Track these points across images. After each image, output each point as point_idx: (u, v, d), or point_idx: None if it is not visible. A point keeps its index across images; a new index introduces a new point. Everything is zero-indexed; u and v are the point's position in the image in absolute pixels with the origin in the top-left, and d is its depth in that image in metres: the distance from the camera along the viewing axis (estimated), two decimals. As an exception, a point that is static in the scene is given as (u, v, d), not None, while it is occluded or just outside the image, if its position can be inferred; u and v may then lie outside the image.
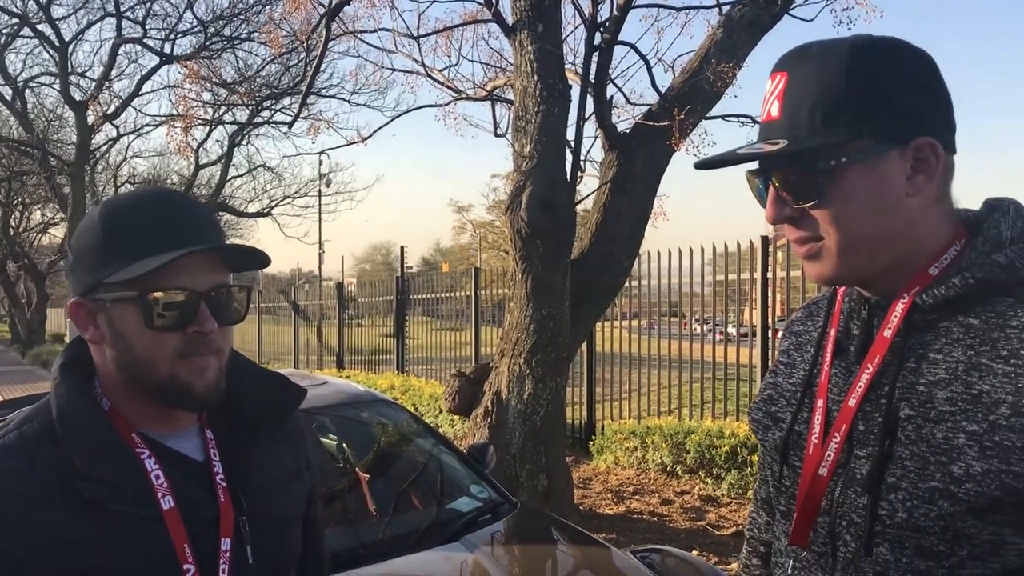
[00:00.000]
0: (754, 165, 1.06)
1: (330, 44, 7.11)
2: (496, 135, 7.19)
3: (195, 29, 20.95)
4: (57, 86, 21.65)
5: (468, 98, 7.31)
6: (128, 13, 20.72)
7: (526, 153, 5.37)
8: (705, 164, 1.08)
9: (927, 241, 1.03)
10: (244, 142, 24.15)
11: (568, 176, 5.55)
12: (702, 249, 7.80)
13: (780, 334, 1.62)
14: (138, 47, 21.18)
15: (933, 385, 0.98)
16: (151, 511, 1.08)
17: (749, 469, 6.30)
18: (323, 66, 13.19)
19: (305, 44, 8.17)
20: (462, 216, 47.60)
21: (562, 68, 5.56)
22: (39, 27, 20.89)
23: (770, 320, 7.20)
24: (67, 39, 21.02)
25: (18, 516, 1.03)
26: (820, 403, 1.09)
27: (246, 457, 1.20)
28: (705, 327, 8.77)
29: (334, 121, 18.60)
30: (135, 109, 23.35)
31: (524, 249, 5.40)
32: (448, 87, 7.29)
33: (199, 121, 16.79)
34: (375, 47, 9.26)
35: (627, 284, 7.53)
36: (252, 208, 27.30)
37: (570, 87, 5.56)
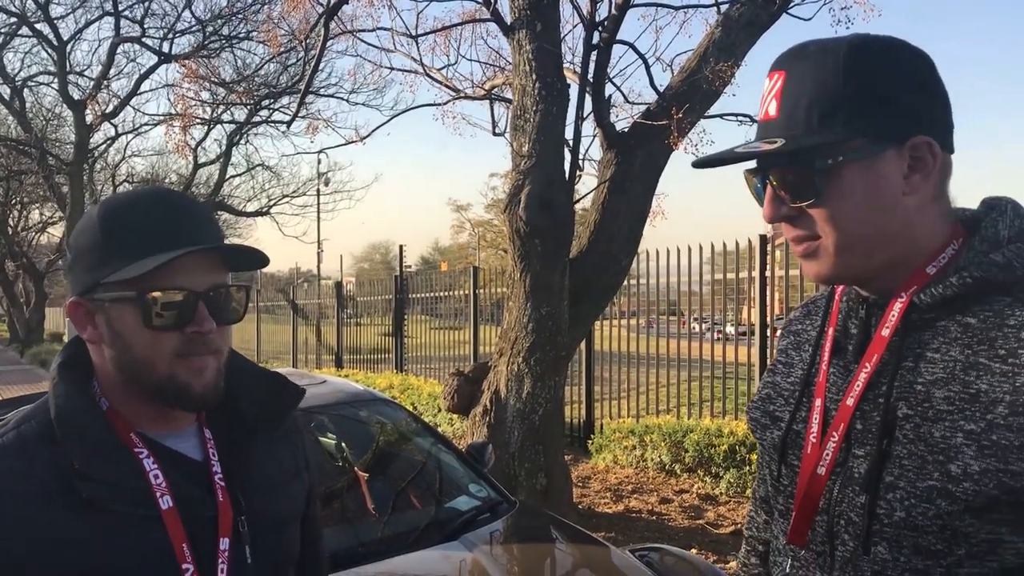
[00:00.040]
0: (752, 164, 1.06)
1: (328, 43, 7.12)
2: (495, 134, 7.20)
3: (193, 28, 20.97)
4: (55, 85, 21.64)
5: (467, 97, 7.31)
6: (126, 12, 20.74)
7: (524, 152, 5.37)
8: (703, 163, 1.08)
9: (924, 240, 1.03)
10: (242, 141, 24.19)
11: (567, 175, 5.55)
12: (700, 248, 7.80)
13: (778, 333, 1.62)
14: (136, 46, 21.19)
15: (931, 384, 0.98)
16: (150, 511, 1.07)
17: (748, 468, 6.30)
18: (321, 65, 13.21)
19: (303, 43, 8.18)
20: (461, 215, 47.52)
21: (560, 67, 5.55)
22: (37, 26, 20.88)
23: (768, 319, 7.21)
24: (65, 38, 21.00)
25: (17, 516, 1.03)
26: (818, 402, 1.09)
27: (245, 457, 1.20)
28: (704, 326, 8.78)
29: (332, 120, 18.67)
30: (133, 108, 23.45)
31: (523, 248, 5.40)
32: (447, 86, 7.29)
33: (197, 120, 16.84)
34: (373, 46, 9.22)
35: (626, 283, 7.54)
36: (251, 207, 27.33)
37: (568, 86, 5.56)
